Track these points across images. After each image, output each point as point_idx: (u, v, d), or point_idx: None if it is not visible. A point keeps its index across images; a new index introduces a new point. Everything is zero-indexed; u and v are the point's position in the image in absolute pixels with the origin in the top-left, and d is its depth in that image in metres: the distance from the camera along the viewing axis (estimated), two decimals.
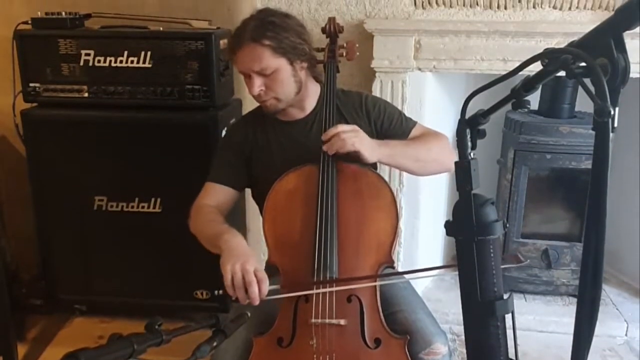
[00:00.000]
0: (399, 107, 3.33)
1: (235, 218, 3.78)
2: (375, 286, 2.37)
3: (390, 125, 2.76)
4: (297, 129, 2.71)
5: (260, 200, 2.65)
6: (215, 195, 2.69)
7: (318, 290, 2.28)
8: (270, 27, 2.49)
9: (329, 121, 2.55)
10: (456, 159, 1.64)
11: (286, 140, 2.70)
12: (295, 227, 2.42)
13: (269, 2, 3.81)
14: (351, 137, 2.38)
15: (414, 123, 2.82)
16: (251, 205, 3.81)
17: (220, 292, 2.19)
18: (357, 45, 2.96)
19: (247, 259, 2.16)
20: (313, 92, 2.76)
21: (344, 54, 2.89)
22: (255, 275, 2.12)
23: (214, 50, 3.22)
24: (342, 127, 2.43)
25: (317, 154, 2.46)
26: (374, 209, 2.45)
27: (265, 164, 2.67)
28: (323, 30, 2.95)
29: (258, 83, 2.50)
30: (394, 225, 2.44)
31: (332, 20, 2.96)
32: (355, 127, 2.47)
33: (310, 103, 2.74)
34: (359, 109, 2.75)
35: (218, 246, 2.29)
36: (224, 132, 3.30)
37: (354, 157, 2.41)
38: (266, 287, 2.14)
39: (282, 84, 2.54)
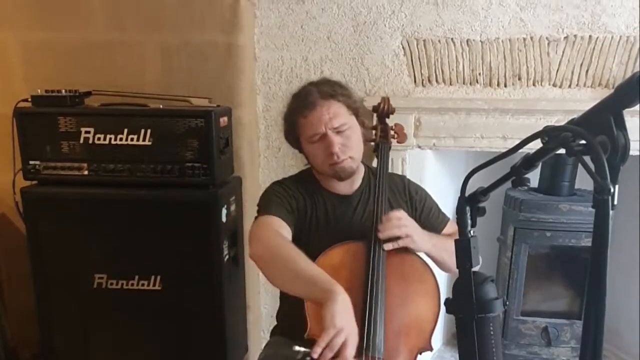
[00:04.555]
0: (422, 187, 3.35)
1: (236, 294, 3.76)
2: None
3: (429, 215, 2.80)
4: (344, 205, 2.70)
5: None
6: (285, 230, 2.50)
7: None
8: (338, 87, 2.57)
9: (381, 202, 2.55)
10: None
11: (332, 214, 2.68)
12: None
13: (269, 81, 3.85)
14: (405, 230, 2.42)
15: (448, 219, 2.88)
16: (251, 282, 3.80)
17: (301, 349, 2.18)
18: (405, 129, 2.98)
19: (355, 330, 2.05)
20: (361, 170, 2.77)
21: (395, 136, 2.90)
22: None
23: (214, 127, 3.21)
24: (404, 214, 2.48)
25: (359, 232, 2.49)
26: (419, 294, 2.45)
27: (308, 232, 2.64)
28: (375, 109, 2.97)
29: (338, 140, 2.49)
30: (436, 312, 2.43)
31: (386, 100, 2.98)
32: (413, 222, 2.50)
33: (358, 181, 2.75)
34: (402, 192, 2.79)
35: (321, 290, 2.12)
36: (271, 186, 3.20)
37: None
38: None
39: (356, 142, 2.58)
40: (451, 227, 2.85)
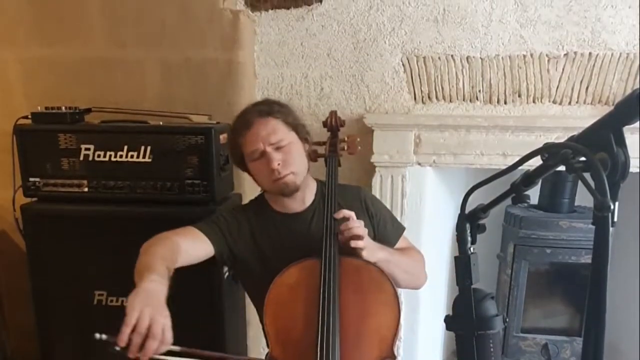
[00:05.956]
0: (399, 202, 3.35)
1: (236, 311, 3.74)
2: None
3: (385, 226, 2.81)
4: (297, 223, 2.70)
5: (256, 292, 2.63)
6: (192, 241, 2.58)
7: None
8: (276, 105, 2.63)
9: (332, 215, 2.52)
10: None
11: (286, 233, 2.68)
12: (298, 321, 2.37)
13: (269, 97, 3.84)
14: (359, 227, 2.42)
15: (403, 230, 2.89)
16: None
17: (104, 336, 1.96)
18: (358, 139, 2.97)
19: (162, 311, 2.02)
20: (312, 186, 2.78)
21: (345, 148, 2.89)
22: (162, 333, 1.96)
23: (214, 144, 3.21)
24: (353, 214, 2.47)
25: (318, 247, 2.45)
26: (376, 303, 2.43)
27: (264, 255, 2.66)
28: (324, 123, 2.98)
29: (277, 157, 2.52)
30: (396, 319, 2.42)
31: (333, 113, 2.98)
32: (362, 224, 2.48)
33: (309, 197, 2.76)
34: (358, 203, 2.77)
35: (141, 278, 2.12)
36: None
37: (354, 254, 2.42)
38: (164, 349, 1.99)
39: (296, 158, 2.59)
40: (404, 242, 2.87)
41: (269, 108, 2.61)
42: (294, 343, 2.37)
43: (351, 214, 2.46)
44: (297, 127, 2.65)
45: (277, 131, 2.54)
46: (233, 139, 2.69)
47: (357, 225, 2.42)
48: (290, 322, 2.39)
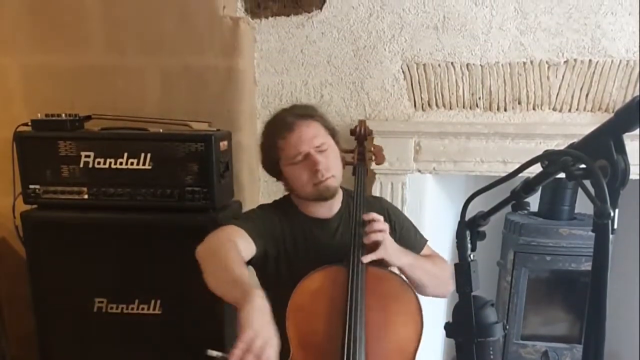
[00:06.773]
0: (399, 209, 3.34)
1: (234, 318, 3.74)
2: None
3: (407, 236, 2.80)
4: (324, 229, 2.69)
5: (277, 292, 2.62)
6: (244, 243, 2.45)
7: None
8: (311, 109, 2.63)
9: (359, 223, 2.52)
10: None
11: (312, 238, 2.67)
12: (321, 327, 2.35)
13: (269, 105, 3.84)
14: (383, 233, 2.43)
15: (426, 241, 2.87)
16: None
17: (219, 354, 1.91)
18: (383, 149, 2.98)
19: (274, 337, 1.90)
20: (339, 194, 2.76)
21: (373, 158, 2.92)
22: None
23: (214, 152, 3.20)
24: (381, 217, 2.48)
25: (341, 256, 2.45)
26: (400, 314, 2.42)
27: (289, 257, 2.64)
28: (352, 132, 2.99)
29: (321, 158, 2.50)
30: (418, 331, 2.41)
31: (362, 122, 2.99)
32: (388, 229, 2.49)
33: (337, 204, 2.74)
34: (379, 211, 2.73)
35: (246, 291, 2.00)
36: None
37: (379, 261, 2.42)
38: None
39: (336, 161, 2.58)
40: (428, 250, 2.86)
41: (306, 111, 2.61)
42: (317, 349, 2.35)
43: (379, 217, 2.48)
44: (334, 132, 2.65)
45: (319, 134, 2.54)
46: (269, 141, 2.63)
47: (380, 223, 2.44)
48: (314, 328, 2.36)
